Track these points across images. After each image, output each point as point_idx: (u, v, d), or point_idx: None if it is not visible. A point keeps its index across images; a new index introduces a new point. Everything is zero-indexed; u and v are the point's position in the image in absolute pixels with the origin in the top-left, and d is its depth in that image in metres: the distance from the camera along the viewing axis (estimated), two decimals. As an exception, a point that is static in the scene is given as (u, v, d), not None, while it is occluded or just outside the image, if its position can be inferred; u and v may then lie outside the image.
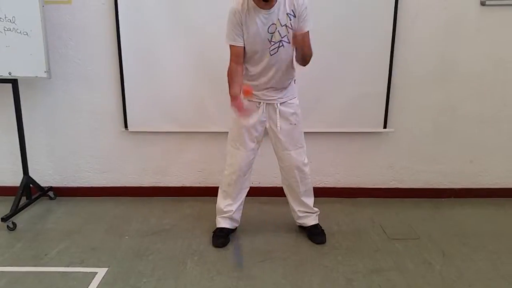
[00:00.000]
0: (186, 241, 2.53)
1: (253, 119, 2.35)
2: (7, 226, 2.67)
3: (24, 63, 2.70)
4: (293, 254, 2.39)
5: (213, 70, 2.77)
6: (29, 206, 2.98)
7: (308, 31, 2.19)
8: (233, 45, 2.23)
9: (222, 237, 2.50)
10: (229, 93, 2.22)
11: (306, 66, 2.25)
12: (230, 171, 2.45)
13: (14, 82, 2.80)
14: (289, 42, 2.20)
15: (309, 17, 2.19)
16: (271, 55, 2.22)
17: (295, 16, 2.16)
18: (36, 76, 2.72)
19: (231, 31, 2.20)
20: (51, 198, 3.14)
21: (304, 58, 2.20)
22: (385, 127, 3.02)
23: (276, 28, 2.17)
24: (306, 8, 2.17)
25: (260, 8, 2.14)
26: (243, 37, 2.21)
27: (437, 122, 3.06)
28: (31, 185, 3.02)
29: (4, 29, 2.65)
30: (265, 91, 2.31)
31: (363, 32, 2.84)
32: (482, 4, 2.81)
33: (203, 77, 2.91)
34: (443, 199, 3.14)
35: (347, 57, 2.88)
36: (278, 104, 2.33)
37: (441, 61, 2.95)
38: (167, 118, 3.01)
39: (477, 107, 3.02)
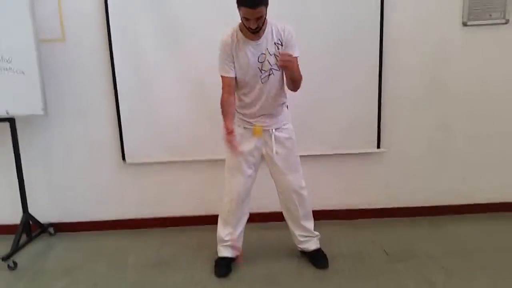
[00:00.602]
0: (188, 272, 2.52)
1: (249, 146, 2.38)
2: (8, 265, 2.65)
3: (21, 101, 2.74)
4: (296, 281, 2.39)
5: (208, 100, 2.81)
6: (29, 244, 2.97)
7: (296, 57, 2.25)
8: (224, 76, 2.29)
9: (224, 267, 2.50)
10: (224, 126, 2.23)
11: (299, 90, 2.32)
12: (229, 198, 2.47)
13: (11, 121, 2.83)
14: (278, 69, 2.27)
15: (295, 45, 2.26)
16: (262, 83, 2.29)
17: (282, 45, 2.24)
18: (33, 114, 2.76)
19: (222, 63, 2.28)
20: (51, 234, 3.13)
21: (294, 81, 2.26)
22: (378, 147, 3.08)
23: (266, 58, 2.24)
24: (292, 36, 2.24)
25: (249, 39, 2.22)
26: (234, 68, 2.28)
27: (429, 141, 3.12)
28: (30, 222, 3.01)
29: (1, 69, 2.69)
30: (258, 118, 2.36)
31: (351, 58, 2.93)
32: (464, 24, 2.92)
33: (198, 107, 2.96)
34: (440, 217, 3.17)
35: (338, 82, 2.95)
36: (273, 130, 2.37)
37: (429, 81, 3.03)
38: (164, 148, 3.04)
39: (466, 125, 3.09)
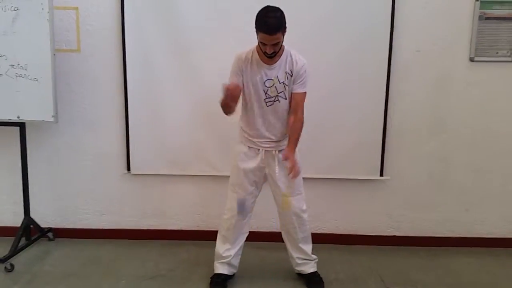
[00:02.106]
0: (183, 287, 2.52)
1: (252, 164, 2.41)
2: (5, 267, 2.67)
3: (32, 107, 2.79)
4: (290, 302, 2.38)
5: (213, 117, 2.85)
6: (27, 247, 2.98)
7: (303, 94, 2.31)
8: None
9: (219, 284, 2.49)
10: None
11: (306, 114, 2.35)
12: (229, 215, 2.48)
13: (21, 126, 2.88)
14: (286, 98, 2.32)
15: (305, 81, 2.31)
16: (267, 106, 2.33)
17: (291, 76, 2.29)
18: (44, 120, 2.81)
19: (231, 74, 2.33)
20: (50, 239, 3.15)
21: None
22: (381, 175, 3.09)
23: (274, 84, 2.29)
24: (305, 71, 2.29)
25: (263, 62, 2.27)
26: (241, 83, 2.31)
27: (432, 171, 3.13)
28: (31, 226, 3.04)
29: (16, 75, 2.76)
30: (262, 139, 2.39)
31: (359, 86, 2.97)
32: (471, 60, 2.97)
33: (204, 124, 3.01)
34: (439, 248, 3.15)
35: (344, 108, 2.99)
36: (277, 152, 2.40)
37: (435, 113, 3.06)
38: (169, 161, 3.08)
39: (469, 157, 3.11)
